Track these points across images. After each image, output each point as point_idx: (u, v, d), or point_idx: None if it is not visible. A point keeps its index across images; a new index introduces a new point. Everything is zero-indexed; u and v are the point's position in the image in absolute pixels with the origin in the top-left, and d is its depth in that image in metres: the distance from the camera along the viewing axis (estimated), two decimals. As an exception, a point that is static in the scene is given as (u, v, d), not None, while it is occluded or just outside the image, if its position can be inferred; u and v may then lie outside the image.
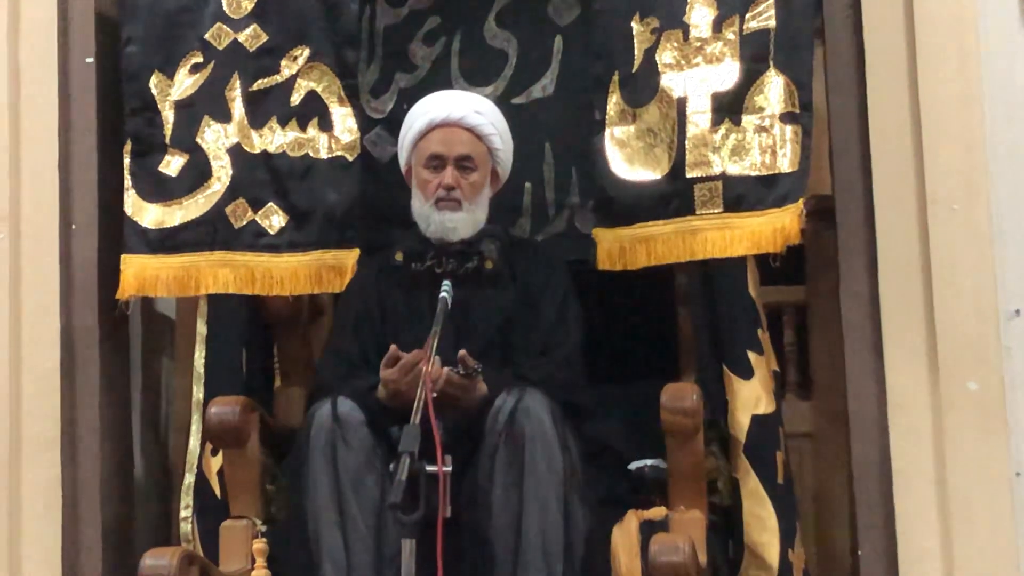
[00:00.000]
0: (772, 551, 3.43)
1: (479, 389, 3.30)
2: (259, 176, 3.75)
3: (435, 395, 3.05)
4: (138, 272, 3.74)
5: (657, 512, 3.34)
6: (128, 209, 3.76)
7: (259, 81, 3.77)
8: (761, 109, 3.44)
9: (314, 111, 3.76)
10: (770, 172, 3.43)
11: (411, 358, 3.22)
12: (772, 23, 3.45)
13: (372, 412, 3.29)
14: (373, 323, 3.59)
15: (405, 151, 3.66)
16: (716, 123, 3.47)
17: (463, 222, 3.56)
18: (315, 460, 3.24)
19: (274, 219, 3.74)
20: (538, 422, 3.19)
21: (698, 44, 3.51)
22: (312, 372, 3.86)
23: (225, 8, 3.76)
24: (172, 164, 3.77)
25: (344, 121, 3.77)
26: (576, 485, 3.22)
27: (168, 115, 3.78)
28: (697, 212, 3.47)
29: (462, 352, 3.24)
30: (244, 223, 3.74)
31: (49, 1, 3.83)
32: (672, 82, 3.53)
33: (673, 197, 3.50)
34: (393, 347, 3.28)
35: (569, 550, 3.18)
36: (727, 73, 3.48)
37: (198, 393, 3.74)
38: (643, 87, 3.57)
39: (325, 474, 3.22)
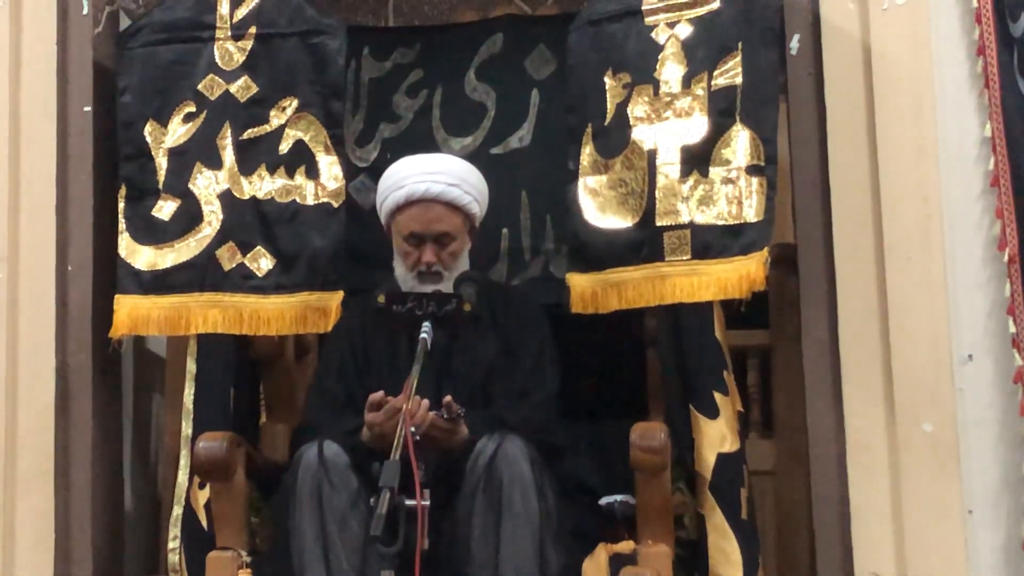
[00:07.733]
0: (736, 584, 3.45)
1: (461, 432, 3.34)
2: (248, 221, 3.78)
3: (418, 438, 3.05)
4: (131, 312, 3.77)
5: (626, 545, 3.38)
6: (122, 251, 3.81)
7: (249, 130, 3.81)
8: (728, 161, 3.49)
9: (301, 159, 3.79)
10: (736, 222, 3.47)
11: (395, 404, 3.23)
12: (739, 80, 3.51)
13: (357, 454, 3.31)
14: (357, 364, 3.62)
15: (383, 214, 3.67)
16: (685, 174, 3.52)
17: (444, 287, 3.56)
18: (302, 500, 3.28)
19: (262, 262, 3.77)
20: (516, 468, 3.24)
21: (668, 99, 3.56)
22: (296, 408, 3.89)
23: (218, 60, 3.82)
24: (165, 208, 3.82)
25: (330, 169, 3.78)
26: (551, 528, 3.26)
27: (161, 161, 3.82)
28: (666, 259, 3.51)
29: (447, 398, 3.27)
30: (233, 266, 3.77)
31: (49, 51, 3.88)
32: (643, 134, 3.58)
33: (643, 244, 3.55)
34: (379, 393, 3.30)
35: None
36: (696, 127, 3.53)
37: (187, 428, 3.77)
38: (615, 139, 3.61)
39: (311, 514, 3.26)
